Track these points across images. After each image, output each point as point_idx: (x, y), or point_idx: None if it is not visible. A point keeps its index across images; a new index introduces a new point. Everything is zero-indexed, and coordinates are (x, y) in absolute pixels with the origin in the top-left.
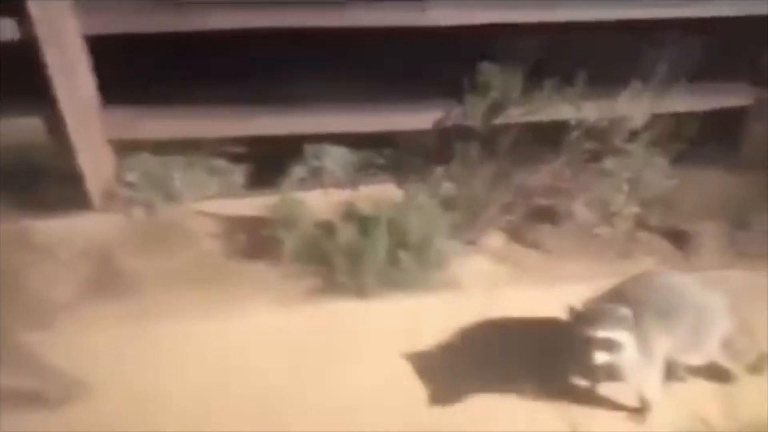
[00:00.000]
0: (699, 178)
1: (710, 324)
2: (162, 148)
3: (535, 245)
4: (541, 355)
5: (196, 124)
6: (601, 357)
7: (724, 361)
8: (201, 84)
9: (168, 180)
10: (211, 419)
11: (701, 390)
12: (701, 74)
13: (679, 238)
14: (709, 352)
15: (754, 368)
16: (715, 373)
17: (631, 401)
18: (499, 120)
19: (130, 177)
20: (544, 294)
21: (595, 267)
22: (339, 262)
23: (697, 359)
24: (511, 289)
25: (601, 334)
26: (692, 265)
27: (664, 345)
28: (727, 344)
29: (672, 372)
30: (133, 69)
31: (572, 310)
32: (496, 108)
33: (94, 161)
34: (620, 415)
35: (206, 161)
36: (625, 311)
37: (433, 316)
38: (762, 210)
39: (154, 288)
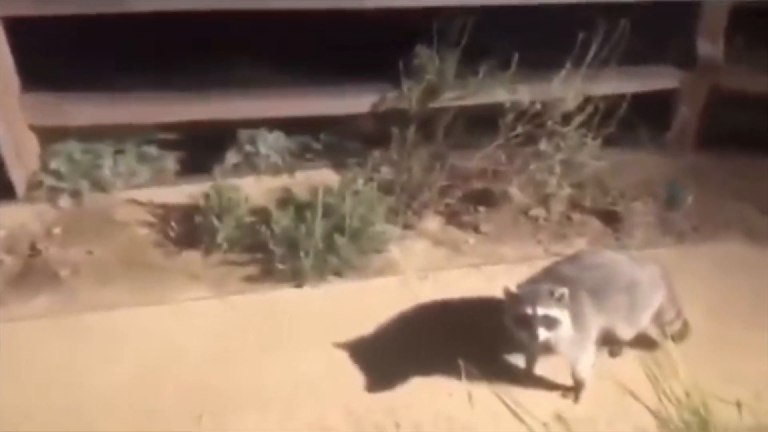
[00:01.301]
0: (629, 159)
1: (642, 299)
2: (90, 135)
3: (471, 228)
4: (478, 336)
5: (124, 109)
6: (543, 333)
7: (653, 333)
8: (130, 69)
9: (96, 168)
10: (145, 412)
11: (631, 363)
12: (631, 58)
13: (610, 218)
14: (641, 326)
15: (680, 336)
16: (645, 343)
17: (566, 379)
18: (434, 103)
19: (56, 165)
20: (481, 276)
21: (530, 248)
22: (275, 249)
23: (629, 334)
24: (449, 271)
25: (541, 311)
26: (623, 243)
27: (597, 322)
28: (657, 316)
29: (609, 349)
30: (59, 53)
31: (508, 291)
32: (432, 91)
33: (16, 148)
34: (555, 393)
35: (136, 148)
36: (561, 290)
37: (372, 300)
38: (689, 189)
39: (83, 279)
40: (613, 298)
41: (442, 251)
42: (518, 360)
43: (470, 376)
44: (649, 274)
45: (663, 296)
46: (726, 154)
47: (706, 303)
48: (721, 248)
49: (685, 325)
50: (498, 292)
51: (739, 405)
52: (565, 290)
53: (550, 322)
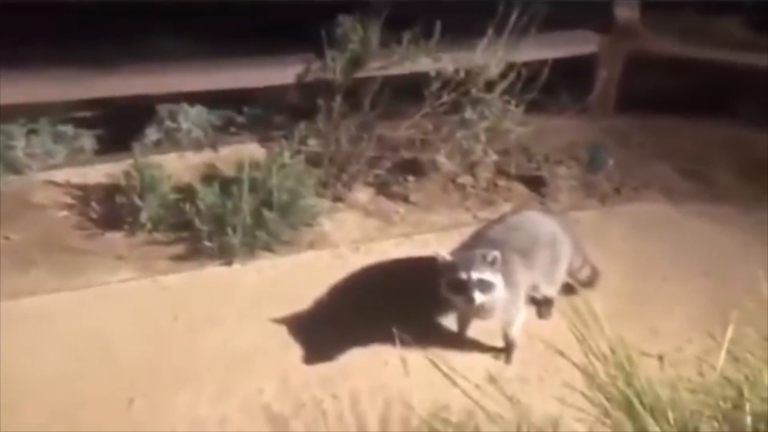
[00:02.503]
0: (552, 124)
1: (560, 252)
2: (0, 115)
3: (401, 198)
4: (411, 304)
5: (36, 87)
6: (479, 297)
7: (572, 281)
8: (42, 46)
9: (8, 149)
10: (74, 400)
11: (557, 322)
12: (551, 24)
13: (535, 183)
14: (561, 278)
15: (590, 282)
16: (562, 290)
17: (497, 341)
18: (360, 73)
19: None
20: (413, 245)
21: (459, 215)
22: (202, 227)
23: (553, 290)
24: (381, 242)
25: (476, 276)
26: (548, 207)
27: (527, 281)
28: (569, 267)
29: (538, 310)
30: None
31: (442, 258)
32: (356, 61)
33: None
34: (487, 355)
35: (51, 127)
36: (494, 253)
37: (304, 274)
38: (610, 152)
39: (1, 266)
40: (539, 256)
41: (373, 222)
42: (451, 324)
43: (405, 344)
44: (560, 226)
45: (570, 245)
46: (645, 117)
47: (628, 261)
48: (641, 208)
49: (594, 271)
50: (429, 260)
51: (661, 358)
52: (496, 253)
53: (485, 286)
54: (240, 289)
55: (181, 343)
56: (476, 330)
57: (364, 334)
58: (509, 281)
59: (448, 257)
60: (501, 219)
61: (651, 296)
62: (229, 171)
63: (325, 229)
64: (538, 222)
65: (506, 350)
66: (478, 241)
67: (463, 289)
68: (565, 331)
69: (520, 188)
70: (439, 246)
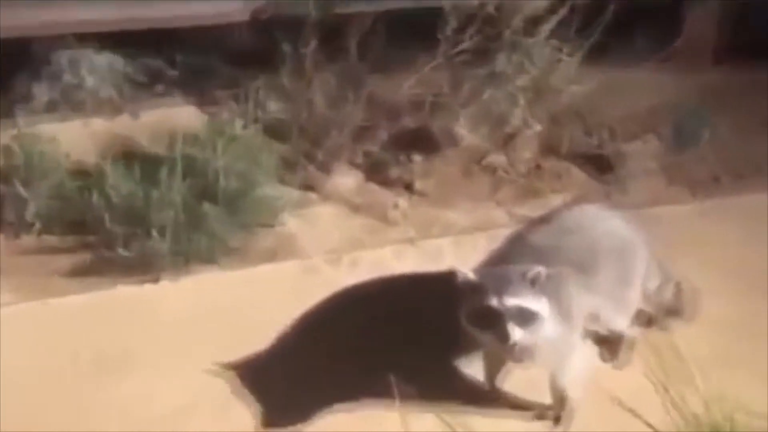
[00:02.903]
0: (622, 81)
1: (633, 267)
2: None
3: (402, 185)
4: (417, 341)
5: None
6: (516, 334)
7: (649, 307)
8: None
9: None
10: None
11: (628, 366)
12: None
13: (598, 166)
14: (634, 305)
15: (676, 310)
16: (636, 321)
17: (541, 394)
18: (343, 7)
19: None
20: (419, 254)
21: (487, 212)
22: (114, 228)
23: (623, 321)
24: (372, 250)
25: (512, 302)
26: (615, 201)
27: (585, 308)
28: (647, 288)
29: (600, 352)
30: None
31: (462, 277)
32: None
33: None
34: (527, 415)
35: None
36: (537, 269)
37: (260, 296)
38: (706, 121)
39: None
40: (603, 271)
41: (361, 221)
42: (475, 372)
43: (408, 399)
44: (633, 228)
45: (648, 255)
46: (757, 70)
47: (731, 278)
48: (749, 202)
49: (682, 293)
50: (443, 278)
51: None
52: (541, 269)
53: (526, 317)
54: (168, 316)
55: (82, 393)
56: (512, 380)
57: (348, 385)
58: (560, 309)
59: (472, 275)
60: (548, 218)
61: (764, 328)
62: (154, 146)
63: (292, 230)
64: (602, 222)
65: (555, 409)
66: (515, 250)
67: (494, 321)
68: (641, 380)
69: (576, 173)
70: (459, 257)
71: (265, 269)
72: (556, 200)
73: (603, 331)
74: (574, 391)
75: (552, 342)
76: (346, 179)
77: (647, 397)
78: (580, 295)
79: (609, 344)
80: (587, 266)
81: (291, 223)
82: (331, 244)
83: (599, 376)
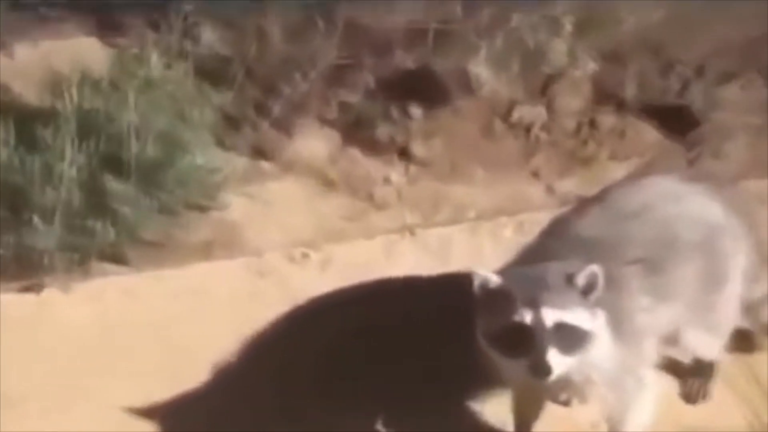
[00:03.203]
0: (710, 6)
1: (726, 266)
2: None
3: (396, 150)
4: (411, 375)
5: None
6: (558, 362)
7: (750, 323)
8: None
9: None
10: None
11: (721, 404)
12: None
13: (677, 121)
14: (730, 322)
15: None
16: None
17: None
18: None
19: None
20: (418, 247)
21: (516, 188)
22: None
23: (713, 343)
24: (354, 242)
25: (552, 317)
26: (702, 170)
27: (657, 324)
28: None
29: (683, 390)
30: None
31: (479, 280)
32: None
33: None
34: None
35: None
36: (589, 269)
37: (188, 310)
38: None
39: None
40: (683, 273)
41: (336, 202)
42: (498, 416)
43: None
44: (727, 210)
45: (748, 248)
46: None
47: None
48: None
49: None
50: (454, 282)
51: None
52: (595, 269)
53: (572, 338)
54: (55, 340)
55: None
56: (553, 423)
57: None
58: (622, 327)
59: (495, 278)
60: (605, 197)
61: None
62: (35, 95)
63: (236, 215)
64: (681, 202)
65: None
66: (557, 243)
67: (527, 344)
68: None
69: (645, 131)
70: (475, 253)
71: (198, 271)
72: (616, 171)
73: (684, 358)
74: None
75: (611, 374)
76: (315, 143)
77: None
78: (651, 307)
79: (694, 378)
80: (660, 265)
81: (236, 205)
82: (294, 236)
83: (679, 418)
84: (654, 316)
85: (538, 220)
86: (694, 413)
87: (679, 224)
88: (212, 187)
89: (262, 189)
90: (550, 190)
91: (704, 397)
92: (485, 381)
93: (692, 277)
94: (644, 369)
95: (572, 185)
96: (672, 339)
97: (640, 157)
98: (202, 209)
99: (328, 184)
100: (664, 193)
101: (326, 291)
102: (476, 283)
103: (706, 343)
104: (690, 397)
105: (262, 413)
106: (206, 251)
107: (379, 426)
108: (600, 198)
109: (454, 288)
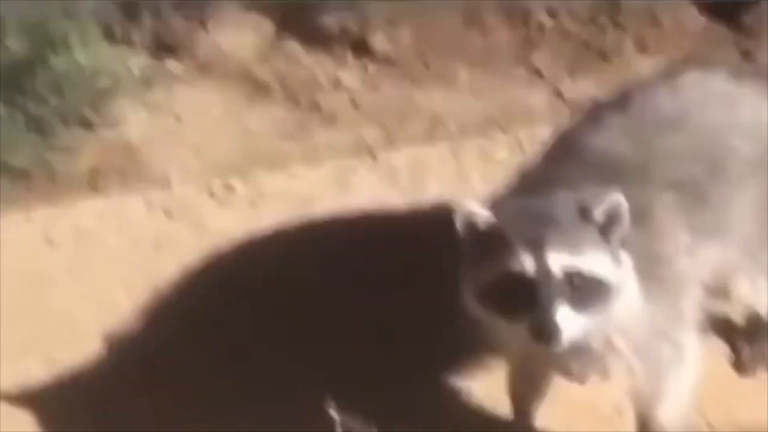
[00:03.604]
0: None
1: None
2: None
3: (348, 44)
4: (369, 339)
5: None
6: (569, 321)
7: None
8: None
9: None
10: None
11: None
12: None
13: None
14: None
15: None
16: None
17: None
18: None
19: None
20: (379, 176)
21: (511, 91)
22: None
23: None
24: (290, 168)
25: (560, 262)
26: (755, 66)
27: (703, 268)
28: None
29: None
30: None
31: (462, 214)
32: None
33: None
34: None
35: None
36: (612, 197)
37: (64, 261)
38: None
39: None
40: (732, 200)
41: (270, 114)
42: (489, 392)
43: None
44: None
45: None
46: None
47: None
48: None
49: None
50: (429, 217)
51: None
52: (617, 197)
53: (588, 291)
54: None
55: None
56: (565, 410)
57: (242, 413)
58: (653, 275)
59: (484, 213)
60: (627, 102)
61: None
62: None
63: (132, 135)
64: (731, 107)
65: None
66: (564, 164)
67: (527, 299)
68: None
69: (684, 13)
70: (457, 179)
71: (82, 209)
72: (644, 67)
73: (737, 314)
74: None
75: (641, 339)
76: (240, 35)
77: None
78: (693, 247)
79: (749, 341)
80: (705, 190)
81: (132, 120)
82: (213, 161)
83: (728, 397)
84: (697, 259)
85: (542, 135)
86: (750, 388)
87: (730, 136)
88: (99, 95)
89: (168, 98)
90: (557, 94)
91: (760, 363)
92: (473, 349)
93: (747, 206)
94: (684, 330)
95: (586, 88)
96: (720, 289)
97: (677, 49)
98: (87, 125)
99: (259, 90)
100: (708, 95)
101: (257, 233)
102: (460, 220)
103: (760, 289)
104: (744, 366)
105: (167, 390)
106: (93, 183)
107: (330, 407)
108: (622, 103)
109: (430, 224)
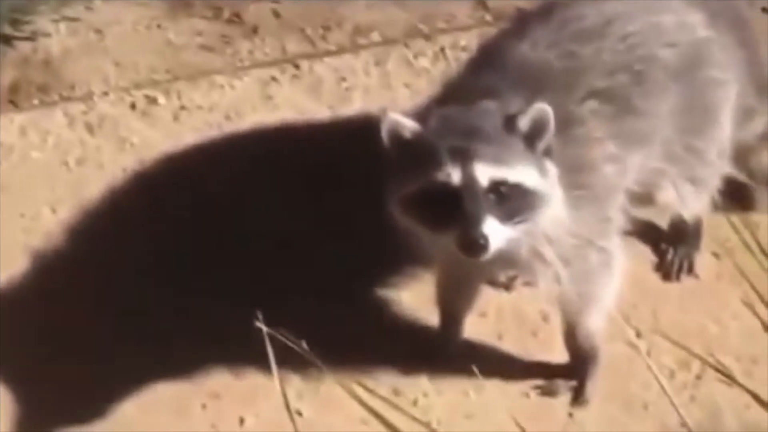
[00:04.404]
0: None
1: (716, 96)
2: None
3: None
4: (298, 254)
5: None
6: (496, 234)
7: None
8: None
9: None
10: None
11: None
12: None
13: None
14: (720, 167)
15: None
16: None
17: (548, 347)
18: None
19: None
20: (302, 85)
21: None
22: None
23: (697, 198)
24: (211, 79)
25: (490, 173)
26: None
27: (627, 173)
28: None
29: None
30: None
31: (388, 124)
32: None
33: None
34: (519, 387)
35: None
36: (538, 108)
37: None
38: None
39: None
40: (655, 107)
41: (190, 23)
42: (417, 304)
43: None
44: (712, 17)
45: (739, 70)
46: None
47: None
48: None
49: None
50: (355, 127)
51: None
52: (543, 107)
53: (514, 201)
54: None
55: None
56: (492, 323)
57: (169, 333)
58: (579, 184)
59: (410, 123)
60: (550, 10)
61: None
62: None
63: (51, 47)
64: (654, 11)
65: (576, 374)
66: (489, 74)
67: (454, 210)
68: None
69: None
70: (381, 91)
71: (1, 125)
72: None
73: (661, 220)
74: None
75: (567, 246)
76: None
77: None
78: (618, 155)
79: (674, 246)
80: (629, 98)
81: (50, 31)
82: (133, 73)
83: (657, 302)
84: (622, 167)
85: (466, 44)
86: (674, 293)
87: (652, 40)
88: (18, 9)
89: (88, 11)
90: (480, 2)
91: (688, 271)
92: (400, 260)
93: (670, 112)
94: (609, 237)
95: None
96: (645, 195)
97: None
98: (5, 41)
99: (180, 1)
100: (631, 5)
101: (180, 145)
102: (385, 129)
103: (689, 197)
104: (669, 272)
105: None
106: (13, 98)
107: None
108: (546, 14)
109: (355, 135)
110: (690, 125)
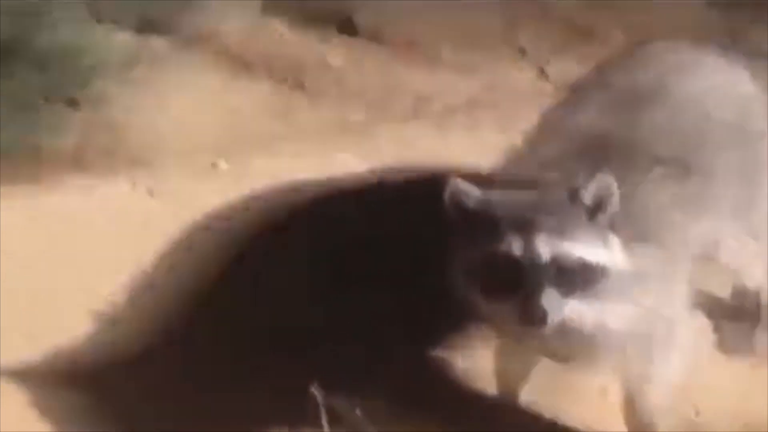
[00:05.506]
0: None
1: (765, 156)
2: None
3: (335, 23)
4: (356, 319)
5: None
6: (556, 304)
7: None
8: None
9: None
10: None
11: None
12: None
13: None
14: None
15: None
16: None
17: (611, 418)
18: None
19: None
20: (363, 151)
21: (496, 70)
22: None
23: (755, 259)
24: (275, 146)
25: (551, 245)
26: (747, 42)
27: (693, 245)
28: None
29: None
30: None
31: (453, 189)
32: None
33: None
34: None
35: None
36: (602, 180)
37: (49, 236)
38: None
39: None
40: (716, 169)
41: (256, 91)
42: (479, 373)
43: (337, 420)
44: (758, 80)
45: None
46: None
47: None
48: None
49: None
50: (419, 192)
51: None
52: (606, 178)
53: (576, 274)
54: None
55: None
56: (551, 391)
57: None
58: (643, 251)
59: (474, 191)
60: (601, 76)
61: None
62: None
63: (116, 113)
64: (703, 72)
65: None
66: (550, 144)
67: (514, 281)
68: None
69: None
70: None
71: (66, 188)
72: (616, 38)
73: (723, 287)
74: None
75: (631, 321)
76: (226, 11)
77: None
78: (684, 223)
79: (734, 321)
80: (692, 162)
81: (117, 97)
82: (197, 139)
83: (717, 381)
84: (688, 235)
85: (527, 114)
86: (735, 369)
87: (706, 100)
88: (83, 72)
89: (152, 75)
90: (541, 72)
91: (749, 350)
92: (460, 327)
93: (731, 170)
94: (675, 308)
95: (566, 64)
96: (708, 257)
97: (664, 30)
98: (71, 104)
99: (244, 68)
100: (679, 64)
101: (241, 209)
102: (448, 193)
103: (748, 252)
104: (729, 349)
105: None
106: (77, 161)
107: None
108: (598, 79)
109: (418, 198)
110: (747, 180)
